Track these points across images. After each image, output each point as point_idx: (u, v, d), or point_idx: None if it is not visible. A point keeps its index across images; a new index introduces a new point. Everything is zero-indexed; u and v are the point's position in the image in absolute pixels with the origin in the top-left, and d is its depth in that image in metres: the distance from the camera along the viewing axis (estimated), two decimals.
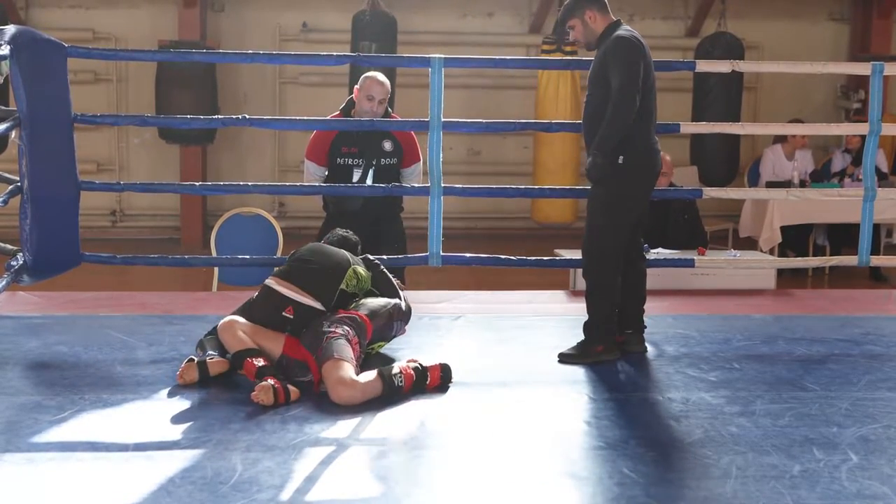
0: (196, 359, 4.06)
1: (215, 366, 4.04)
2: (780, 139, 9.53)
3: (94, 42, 10.54)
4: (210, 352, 4.12)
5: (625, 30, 4.45)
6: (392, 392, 3.85)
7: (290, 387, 3.86)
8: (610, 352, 4.45)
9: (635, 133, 4.35)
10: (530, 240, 10.70)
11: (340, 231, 4.64)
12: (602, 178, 4.35)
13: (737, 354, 4.60)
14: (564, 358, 4.43)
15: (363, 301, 4.28)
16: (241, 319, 4.12)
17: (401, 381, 3.89)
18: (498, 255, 5.85)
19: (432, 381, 4.01)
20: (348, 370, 3.84)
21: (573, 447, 3.49)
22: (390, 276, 4.52)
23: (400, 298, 4.42)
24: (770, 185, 9.04)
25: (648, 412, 3.85)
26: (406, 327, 4.48)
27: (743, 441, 3.49)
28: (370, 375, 3.87)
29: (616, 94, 4.29)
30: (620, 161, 4.34)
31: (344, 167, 5.40)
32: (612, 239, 4.44)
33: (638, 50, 4.36)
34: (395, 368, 3.95)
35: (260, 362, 3.93)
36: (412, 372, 3.96)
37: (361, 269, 4.34)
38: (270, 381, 3.82)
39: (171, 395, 3.93)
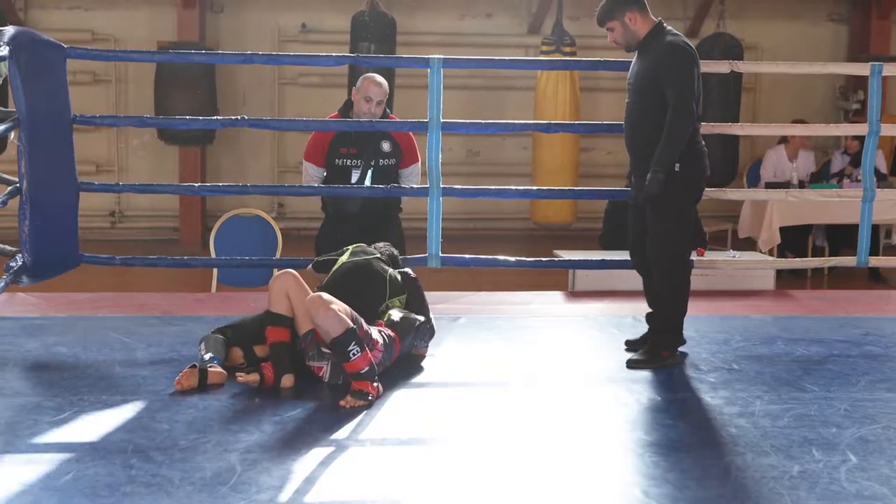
0: (198, 365, 4.05)
1: (214, 376, 4.03)
2: (784, 140, 9.54)
3: (94, 43, 10.54)
4: (210, 355, 4.12)
5: (673, 34, 4.39)
6: (348, 341, 3.83)
7: (246, 376, 4.01)
8: (675, 356, 4.46)
9: (689, 139, 4.33)
10: (529, 240, 10.71)
11: (386, 249, 4.64)
12: (657, 190, 4.29)
13: (736, 355, 4.60)
14: (633, 364, 4.40)
15: (395, 316, 4.27)
16: (297, 276, 4.12)
17: (359, 351, 3.86)
18: (497, 255, 5.86)
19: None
20: (330, 297, 3.91)
21: (571, 448, 3.49)
22: (424, 294, 4.52)
23: (429, 319, 4.44)
24: (769, 185, 9.05)
25: (647, 413, 3.85)
26: (426, 347, 4.48)
27: (742, 442, 3.49)
28: (345, 317, 3.88)
29: (675, 108, 4.24)
30: (677, 169, 4.31)
31: (342, 168, 5.40)
32: (680, 243, 4.47)
33: (692, 58, 4.33)
34: (373, 332, 4.04)
35: (276, 338, 4.04)
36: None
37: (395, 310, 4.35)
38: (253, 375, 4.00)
39: (170, 396, 3.92)
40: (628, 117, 4.51)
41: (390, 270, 4.44)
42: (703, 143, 4.50)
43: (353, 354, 3.83)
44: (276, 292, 4.09)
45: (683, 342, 4.52)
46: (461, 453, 3.43)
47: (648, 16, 4.43)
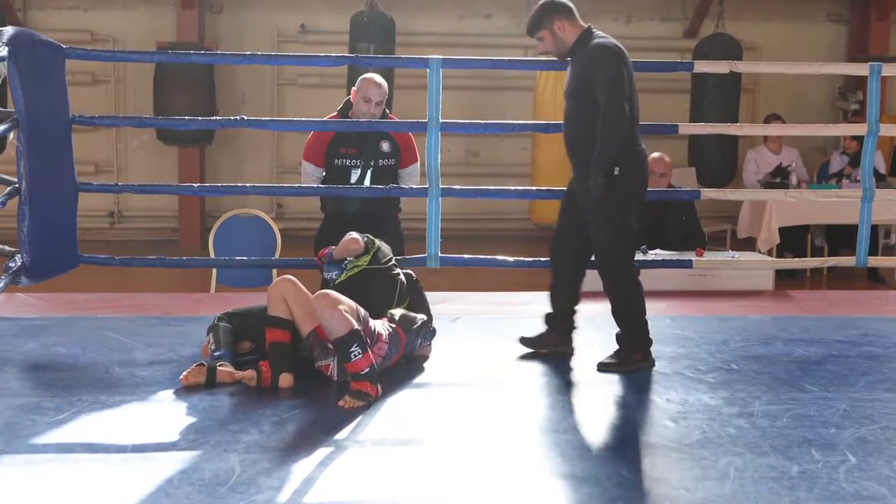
0: (206, 363, 4.06)
1: (223, 375, 4.05)
2: (764, 139, 9.61)
3: (93, 43, 10.54)
4: (221, 351, 4.15)
5: (601, 37, 4.38)
6: (351, 342, 3.83)
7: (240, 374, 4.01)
8: (647, 359, 4.41)
9: (625, 141, 4.30)
10: (528, 241, 10.70)
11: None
12: (600, 193, 4.25)
13: (735, 355, 4.59)
14: (603, 367, 4.37)
15: (396, 314, 4.28)
16: (294, 281, 4.14)
17: (360, 352, 3.86)
18: (496, 256, 5.85)
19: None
20: (338, 296, 3.90)
21: (571, 448, 3.49)
22: (425, 295, 4.54)
23: (430, 318, 4.46)
24: (767, 185, 9.05)
25: (646, 413, 3.85)
26: (429, 347, 4.50)
27: (741, 442, 3.49)
28: (350, 318, 3.87)
29: (606, 110, 4.22)
30: (616, 173, 4.28)
31: (342, 168, 5.40)
32: (622, 247, 4.42)
33: (619, 58, 4.31)
34: (378, 326, 4.08)
35: (275, 338, 4.05)
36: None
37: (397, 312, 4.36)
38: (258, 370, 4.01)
39: (169, 396, 3.92)
40: (566, 123, 4.49)
41: (401, 276, 4.45)
42: (643, 145, 4.45)
43: (355, 356, 3.83)
44: (275, 298, 4.11)
45: (650, 343, 4.45)
46: (460, 453, 3.43)
47: (577, 22, 4.42)
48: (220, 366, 4.06)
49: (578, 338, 4.73)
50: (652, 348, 4.51)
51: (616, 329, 4.48)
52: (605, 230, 4.39)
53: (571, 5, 4.45)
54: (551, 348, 4.58)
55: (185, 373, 4.02)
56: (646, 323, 4.44)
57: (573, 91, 4.42)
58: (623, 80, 4.27)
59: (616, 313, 4.46)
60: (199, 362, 4.07)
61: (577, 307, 4.64)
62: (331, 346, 3.98)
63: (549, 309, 4.64)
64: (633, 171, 4.37)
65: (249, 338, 4.30)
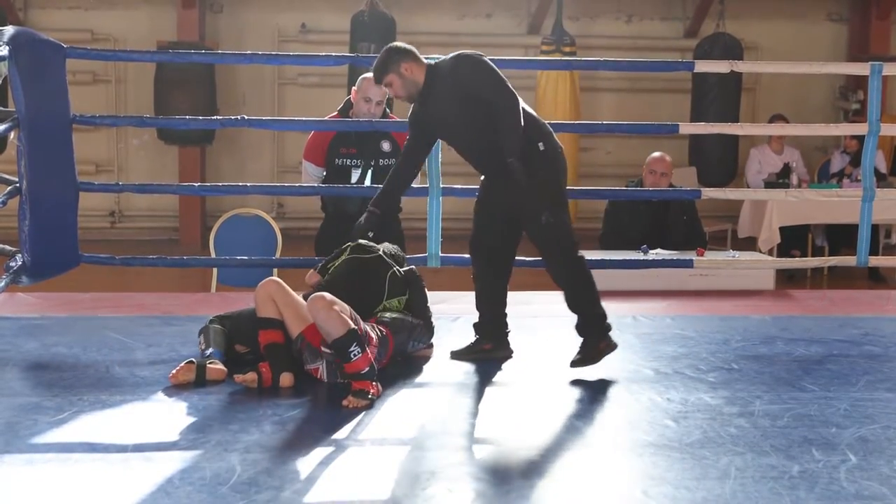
0: (196, 361, 4.06)
1: (213, 373, 4.04)
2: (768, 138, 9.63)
3: (93, 43, 10.55)
4: (212, 350, 4.13)
5: (444, 61, 4.37)
6: (350, 342, 3.82)
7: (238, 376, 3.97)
8: (610, 346, 4.36)
9: (532, 120, 4.29)
10: (527, 240, 10.69)
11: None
12: (525, 178, 4.18)
13: (735, 355, 4.59)
14: (576, 364, 4.33)
15: (387, 316, 4.27)
16: (280, 283, 4.12)
17: (359, 352, 3.85)
18: None
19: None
20: (333, 298, 3.88)
21: (570, 447, 3.49)
22: (426, 294, 4.53)
23: (428, 319, 4.45)
24: (768, 185, 9.06)
25: (647, 413, 3.84)
26: (430, 347, 4.50)
27: (742, 442, 3.49)
28: (346, 318, 3.86)
29: (500, 100, 4.19)
30: (542, 147, 4.26)
31: (342, 168, 5.40)
32: (565, 229, 4.37)
33: (479, 55, 4.31)
34: (368, 328, 4.04)
35: (269, 339, 4.03)
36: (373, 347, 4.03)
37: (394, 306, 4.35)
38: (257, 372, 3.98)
39: (169, 396, 3.92)
40: (470, 150, 4.45)
41: (392, 269, 4.43)
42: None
43: (354, 355, 3.83)
44: (262, 299, 4.09)
45: (609, 328, 4.38)
46: (458, 453, 3.43)
47: (422, 62, 4.38)
48: (209, 363, 4.05)
49: (572, 338, 4.72)
50: (652, 348, 4.50)
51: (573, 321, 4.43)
52: (546, 210, 4.31)
53: (414, 49, 4.40)
54: (484, 355, 4.51)
55: (174, 371, 4.02)
56: (601, 304, 4.37)
57: (458, 117, 4.33)
58: (496, 68, 4.27)
59: (574, 302, 4.40)
60: (188, 360, 4.07)
61: (504, 310, 4.58)
62: (322, 350, 3.98)
63: (476, 317, 4.60)
64: (552, 141, 4.35)
65: (242, 342, 4.28)
